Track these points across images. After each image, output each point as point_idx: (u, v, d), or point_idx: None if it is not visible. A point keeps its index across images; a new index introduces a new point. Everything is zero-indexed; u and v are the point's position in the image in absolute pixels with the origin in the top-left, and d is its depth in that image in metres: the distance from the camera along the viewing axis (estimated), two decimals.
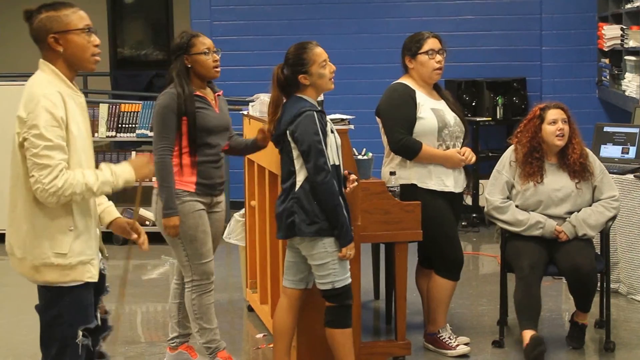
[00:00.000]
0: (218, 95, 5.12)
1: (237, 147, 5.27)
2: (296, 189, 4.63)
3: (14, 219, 3.54)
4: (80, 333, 3.57)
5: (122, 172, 3.61)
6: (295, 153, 4.64)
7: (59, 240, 3.50)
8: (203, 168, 4.97)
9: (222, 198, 5.20)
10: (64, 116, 3.44)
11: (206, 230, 5.01)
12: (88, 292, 3.60)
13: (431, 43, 5.35)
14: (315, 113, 4.60)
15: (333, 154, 4.62)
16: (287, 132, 4.64)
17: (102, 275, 3.73)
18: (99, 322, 3.71)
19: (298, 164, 4.63)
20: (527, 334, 5.24)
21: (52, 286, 3.53)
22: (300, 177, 4.63)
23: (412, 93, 5.34)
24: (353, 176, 4.84)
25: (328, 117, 5.03)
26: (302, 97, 4.69)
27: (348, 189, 4.78)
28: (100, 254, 3.73)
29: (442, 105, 5.42)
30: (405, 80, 5.44)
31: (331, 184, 4.54)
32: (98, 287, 3.71)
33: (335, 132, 4.75)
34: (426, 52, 5.33)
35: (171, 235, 4.92)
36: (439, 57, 5.35)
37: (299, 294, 4.84)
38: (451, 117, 5.39)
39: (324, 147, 4.55)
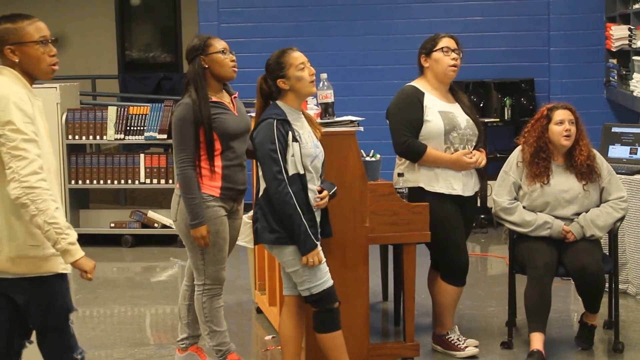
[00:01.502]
0: (234, 97, 5.10)
1: (251, 150, 5.21)
2: (259, 195, 4.65)
3: None
4: (71, 316, 3.81)
5: (74, 245, 3.62)
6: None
7: (32, 233, 3.67)
8: (228, 172, 4.95)
9: (241, 206, 5.20)
10: (31, 114, 3.63)
11: (226, 237, 5.02)
12: (66, 280, 3.83)
13: (446, 41, 5.37)
14: (275, 121, 4.56)
15: (296, 163, 4.57)
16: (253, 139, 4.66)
17: None
18: None
19: (260, 170, 4.65)
20: (535, 337, 5.25)
21: (39, 276, 3.71)
22: (263, 184, 4.63)
23: (420, 95, 5.34)
24: (325, 192, 4.72)
25: (330, 121, 5.03)
26: (278, 103, 4.67)
27: (315, 204, 4.67)
28: None
29: (454, 108, 5.41)
30: (417, 82, 5.44)
31: (284, 193, 4.51)
32: None
33: (308, 140, 4.65)
34: (441, 49, 5.34)
35: (201, 245, 4.91)
36: (453, 55, 5.36)
37: (296, 300, 4.82)
38: (463, 120, 5.38)
39: (279, 156, 4.52)
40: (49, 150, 3.76)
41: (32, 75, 3.74)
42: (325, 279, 4.66)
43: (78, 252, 3.63)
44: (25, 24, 3.69)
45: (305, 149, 4.62)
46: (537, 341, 5.26)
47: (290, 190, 4.52)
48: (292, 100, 4.68)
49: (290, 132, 4.58)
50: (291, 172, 4.55)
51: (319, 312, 4.70)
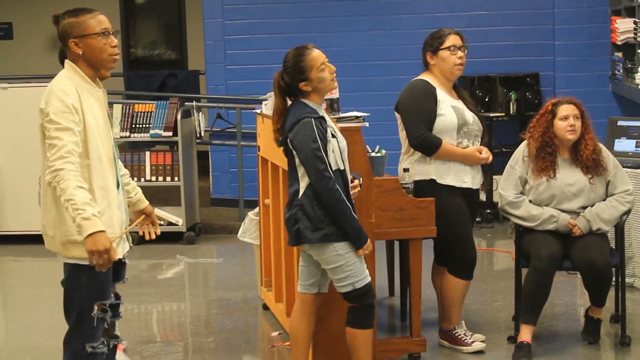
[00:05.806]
0: None
1: None
2: (299, 195, 4.61)
3: (47, 203, 3.88)
4: (96, 307, 3.86)
5: (88, 220, 3.60)
6: (297, 160, 4.61)
7: None
8: None
9: None
10: (75, 104, 3.77)
11: None
12: (106, 271, 3.82)
13: (453, 39, 5.37)
14: (313, 120, 4.53)
15: (337, 158, 4.57)
16: (288, 139, 4.61)
17: (122, 264, 4.04)
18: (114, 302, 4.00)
19: (300, 171, 4.60)
20: (526, 329, 5.31)
21: (73, 263, 3.83)
22: (303, 184, 4.59)
23: (432, 89, 5.34)
24: (357, 181, 4.81)
25: (336, 117, 5.04)
26: (305, 102, 4.63)
27: (352, 193, 4.71)
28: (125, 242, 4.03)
29: (460, 104, 5.43)
30: (425, 76, 5.44)
31: (334, 189, 4.49)
32: (117, 274, 4.03)
33: (339, 135, 4.68)
34: (448, 48, 5.34)
35: None
36: (460, 53, 5.37)
37: (312, 298, 4.82)
38: (470, 116, 5.40)
39: (324, 154, 4.51)
40: (103, 137, 3.88)
41: (95, 66, 3.91)
42: (366, 273, 4.66)
43: (89, 228, 3.59)
44: (87, 18, 3.88)
45: (342, 144, 4.64)
46: (526, 333, 5.32)
47: (338, 187, 4.52)
48: (316, 98, 4.66)
49: (328, 129, 4.59)
50: (334, 167, 4.55)
51: (359, 308, 4.68)
